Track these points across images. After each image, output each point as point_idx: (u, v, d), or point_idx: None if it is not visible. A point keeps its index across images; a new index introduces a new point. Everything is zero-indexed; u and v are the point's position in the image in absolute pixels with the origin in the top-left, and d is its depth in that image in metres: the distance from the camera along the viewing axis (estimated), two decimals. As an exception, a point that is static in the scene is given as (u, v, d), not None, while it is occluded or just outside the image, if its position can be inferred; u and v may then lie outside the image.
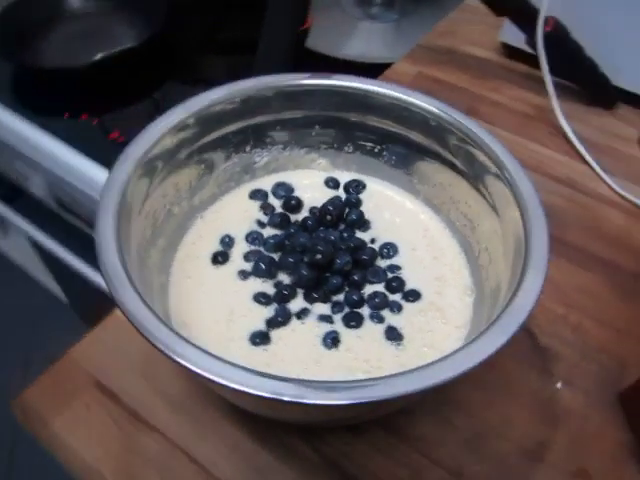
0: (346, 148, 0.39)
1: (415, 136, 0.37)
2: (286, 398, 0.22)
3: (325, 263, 0.33)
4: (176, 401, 0.35)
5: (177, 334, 0.24)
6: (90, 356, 0.37)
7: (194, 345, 0.24)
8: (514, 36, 0.57)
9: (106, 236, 0.27)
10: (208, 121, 0.35)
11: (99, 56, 0.68)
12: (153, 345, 0.24)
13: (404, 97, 0.36)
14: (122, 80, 0.75)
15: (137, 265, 0.30)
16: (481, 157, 0.33)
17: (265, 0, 0.85)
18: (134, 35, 0.78)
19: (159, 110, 0.79)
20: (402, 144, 0.38)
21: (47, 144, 0.64)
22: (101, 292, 0.84)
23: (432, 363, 0.24)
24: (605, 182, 0.49)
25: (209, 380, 0.23)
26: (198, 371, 0.23)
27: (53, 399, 0.35)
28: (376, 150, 0.39)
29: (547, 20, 0.50)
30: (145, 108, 0.76)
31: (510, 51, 0.61)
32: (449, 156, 0.35)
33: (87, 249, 0.87)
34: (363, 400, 0.23)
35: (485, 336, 0.25)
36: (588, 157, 0.50)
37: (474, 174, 0.34)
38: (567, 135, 0.52)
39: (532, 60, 0.57)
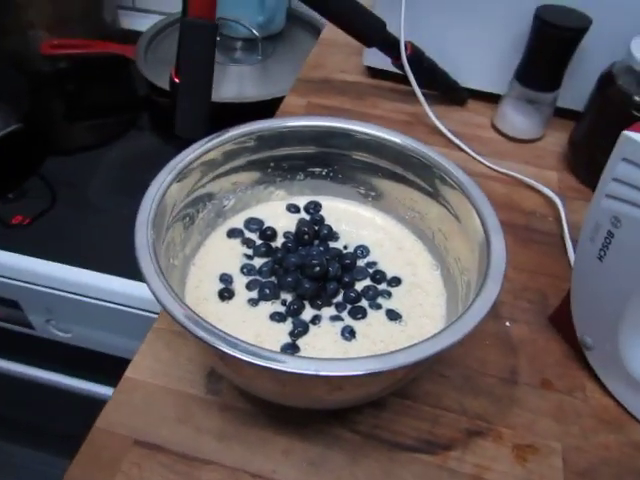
0: (298, 177, 0.46)
1: (356, 155, 0.44)
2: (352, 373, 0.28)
3: (322, 274, 0.39)
4: (218, 432, 0.38)
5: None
6: (118, 421, 0.39)
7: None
8: (377, 60, 0.68)
9: (163, 292, 0.30)
10: (190, 178, 0.39)
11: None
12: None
13: (345, 126, 0.43)
14: (2, 165, 0.73)
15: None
16: (426, 167, 0.41)
17: (117, 65, 0.88)
18: (2, 118, 0.76)
19: (49, 186, 0.78)
20: (344, 164, 0.45)
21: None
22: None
23: (442, 331, 0.31)
24: (481, 162, 0.61)
25: (252, 364, 0.28)
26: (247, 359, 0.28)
27: (100, 470, 0.36)
28: (323, 173, 0.46)
29: (406, 45, 0.61)
30: (34, 186, 0.75)
31: (374, 72, 0.72)
32: (389, 166, 0.43)
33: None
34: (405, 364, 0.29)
35: (472, 308, 0.32)
36: (463, 146, 0.62)
37: (415, 176, 0.42)
38: (443, 132, 0.63)
39: (395, 77, 0.68)
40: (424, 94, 0.64)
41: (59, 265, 0.63)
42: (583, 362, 0.44)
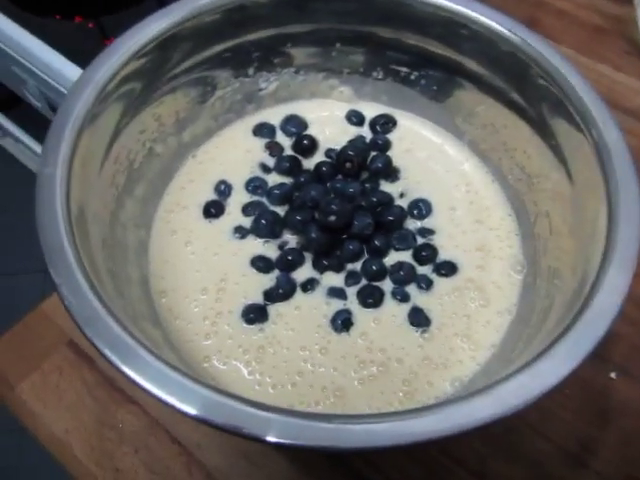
0: (375, 74, 0.31)
1: (463, 60, 0.28)
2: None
3: (340, 225, 0.27)
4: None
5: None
6: (64, 311, 0.32)
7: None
8: None
9: (50, 204, 0.20)
10: (196, 34, 0.27)
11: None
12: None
13: (454, 7, 0.27)
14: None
15: (107, 223, 0.25)
16: (554, 95, 0.25)
17: None
18: None
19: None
20: (445, 70, 0.29)
21: (37, 49, 0.57)
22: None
23: (483, 390, 0.18)
24: (692, 120, 0.40)
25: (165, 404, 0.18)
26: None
27: (21, 359, 0.31)
28: (412, 77, 0.31)
29: None
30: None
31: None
32: (509, 89, 0.27)
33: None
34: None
35: (550, 355, 0.18)
36: (674, 87, 0.41)
37: (540, 116, 0.26)
38: (649, 56, 0.42)
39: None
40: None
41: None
42: None
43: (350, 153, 0.29)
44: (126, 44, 0.25)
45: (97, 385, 0.30)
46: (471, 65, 0.28)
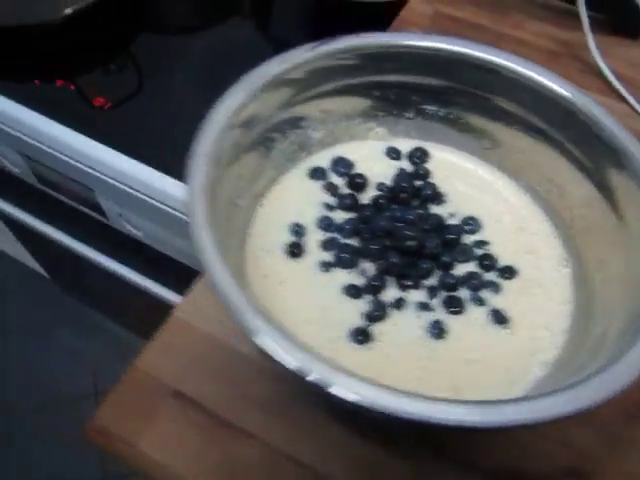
0: (406, 114, 0.36)
1: (495, 99, 0.33)
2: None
3: (416, 248, 0.31)
4: (266, 403, 0.33)
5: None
6: (160, 365, 0.34)
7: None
8: (534, -36, 0.53)
9: (215, 264, 0.24)
10: (271, 100, 0.31)
11: (69, 10, 0.59)
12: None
13: (488, 58, 0.32)
14: (92, 37, 0.67)
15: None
16: (583, 127, 0.30)
17: None
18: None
19: (138, 68, 0.71)
20: (472, 107, 0.34)
21: (23, 115, 0.57)
22: (84, 263, 0.79)
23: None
24: (647, 122, 0.48)
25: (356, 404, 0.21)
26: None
27: (133, 417, 0.32)
28: (440, 114, 0.36)
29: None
30: (122, 66, 0.69)
31: (525, -20, 0.57)
32: (535, 121, 0.33)
33: (71, 224, 0.80)
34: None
35: None
36: (626, 94, 0.48)
37: (572, 143, 0.32)
38: (601, 72, 0.49)
39: (555, -10, 0.54)
40: (587, 17, 0.50)
41: (134, 162, 0.58)
42: None
43: (404, 185, 0.33)
44: (222, 114, 0.28)
45: (213, 427, 0.32)
46: (496, 100, 0.33)
